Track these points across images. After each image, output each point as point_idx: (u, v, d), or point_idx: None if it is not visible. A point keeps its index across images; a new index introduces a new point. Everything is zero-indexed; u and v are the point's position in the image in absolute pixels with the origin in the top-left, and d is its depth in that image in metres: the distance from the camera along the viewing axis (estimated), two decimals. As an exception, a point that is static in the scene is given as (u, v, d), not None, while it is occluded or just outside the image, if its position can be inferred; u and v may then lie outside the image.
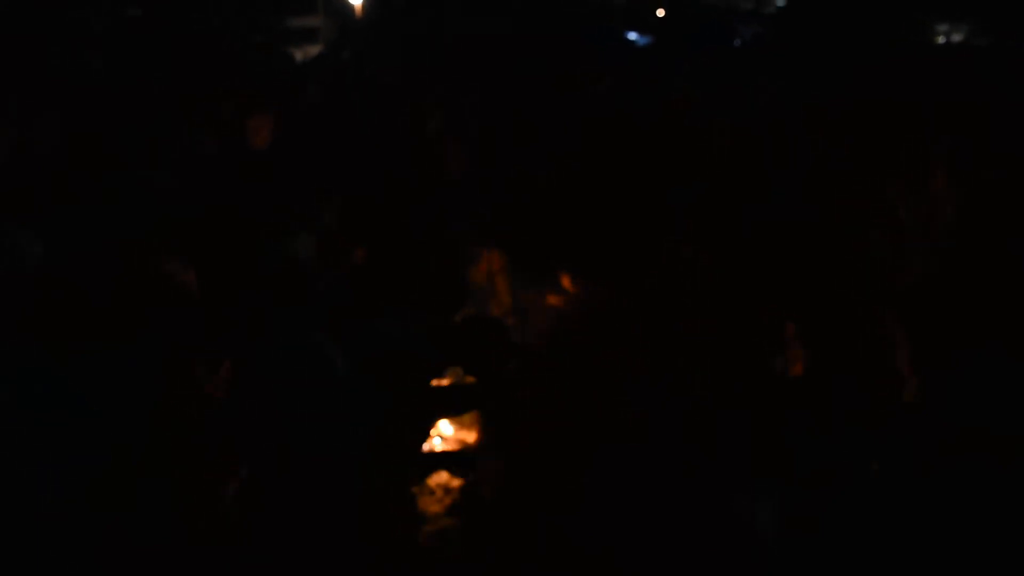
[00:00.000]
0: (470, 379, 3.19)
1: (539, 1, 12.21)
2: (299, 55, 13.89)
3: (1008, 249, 3.18)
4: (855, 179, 3.48)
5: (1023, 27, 11.56)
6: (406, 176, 4.19)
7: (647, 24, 15.31)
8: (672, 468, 2.39)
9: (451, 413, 3.22)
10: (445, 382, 3.24)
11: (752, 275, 3.09)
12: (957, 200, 3.31)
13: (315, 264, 3.25)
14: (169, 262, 2.82)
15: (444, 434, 3.43)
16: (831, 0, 12.11)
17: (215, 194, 3.72)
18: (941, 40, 14.43)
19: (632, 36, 13.46)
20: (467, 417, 3.41)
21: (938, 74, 5.81)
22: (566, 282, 3.41)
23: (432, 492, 3.29)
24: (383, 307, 3.04)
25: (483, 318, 3.33)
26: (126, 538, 2.18)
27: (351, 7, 16.31)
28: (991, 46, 10.14)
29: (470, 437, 3.43)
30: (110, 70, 6.11)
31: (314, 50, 14.84)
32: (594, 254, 3.44)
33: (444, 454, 3.32)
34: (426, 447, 3.24)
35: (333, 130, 4.74)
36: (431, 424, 3.15)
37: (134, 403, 2.37)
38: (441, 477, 3.31)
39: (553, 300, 3.45)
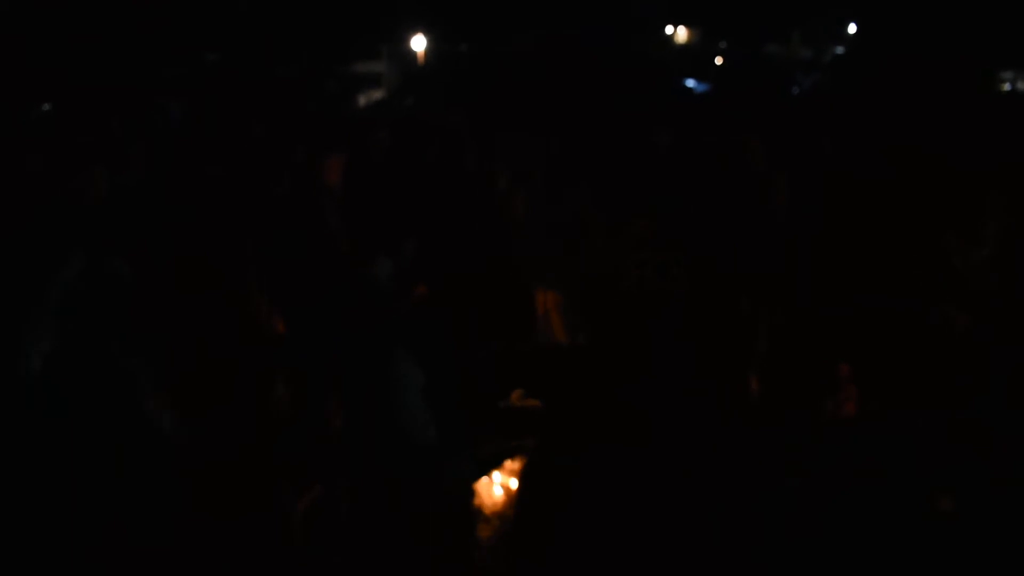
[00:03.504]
0: (532, 402, 3.34)
1: (599, 50, 12.45)
2: (363, 99, 14.32)
3: None
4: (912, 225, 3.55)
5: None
6: (474, 218, 4.37)
7: (706, 72, 15.46)
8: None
9: (512, 433, 3.34)
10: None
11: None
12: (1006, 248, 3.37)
13: (393, 288, 3.43)
14: (257, 299, 3.04)
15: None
16: (890, 49, 12.12)
17: (293, 226, 3.95)
18: (1006, 88, 14.25)
19: (690, 83, 13.61)
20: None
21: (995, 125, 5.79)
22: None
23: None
24: (457, 331, 3.20)
25: (548, 346, 3.47)
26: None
27: (414, 54, 16.78)
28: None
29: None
30: (189, 115, 6.45)
31: (377, 94, 15.27)
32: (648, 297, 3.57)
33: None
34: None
35: (403, 172, 4.96)
36: (499, 434, 3.28)
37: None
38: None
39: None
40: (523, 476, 3.04)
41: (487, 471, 3.31)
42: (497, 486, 3.37)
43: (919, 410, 2.54)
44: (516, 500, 2.93)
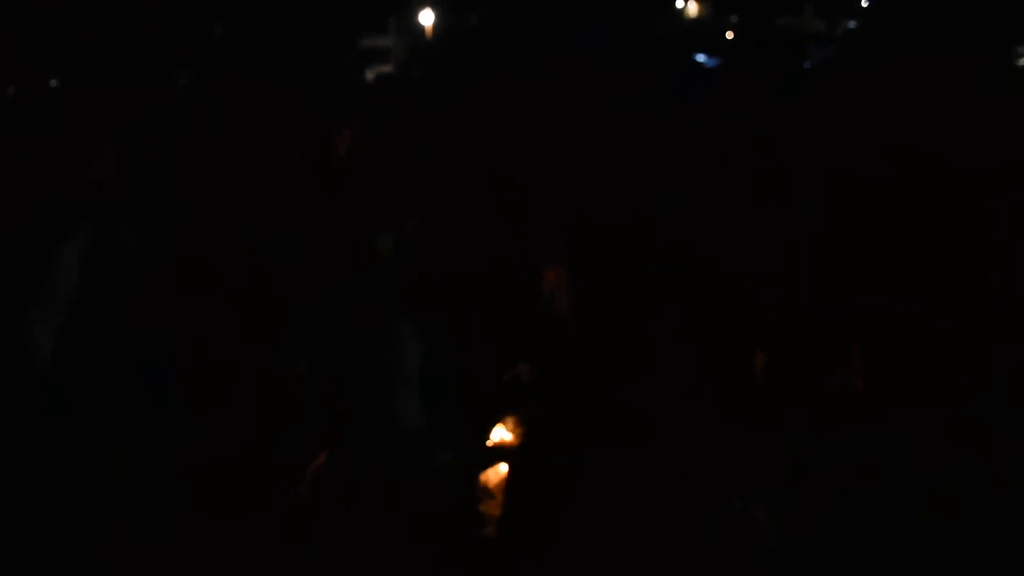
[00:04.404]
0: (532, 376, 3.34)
1: (608, 26, 12.33)
2: (371, 75, 14.27)
3: None
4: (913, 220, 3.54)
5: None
6: (480, 193, 4.36)
7: (716, 46, 15.32)
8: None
9: (516, 405, 3.34)
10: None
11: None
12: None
13: (395, 262, 3.42)
14: (261, 265, 3.04)
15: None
16: (903, 22, 11.97)
17: (301, 200, 3.95)
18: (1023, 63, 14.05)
19: (701, 58, 13.49)
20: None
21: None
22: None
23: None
24: (459, 304, 3.20)
25: (553, 317, 3.46)
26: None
27: (422, 28, 16.69)
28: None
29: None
30: (199, 89, 6.42)
31: (385, 69, 15.20)
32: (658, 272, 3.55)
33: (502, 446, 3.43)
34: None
35: (411, 145, 4.94)
36: (499, 415, 3.28)
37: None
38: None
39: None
40: (516, 470, 3.03)
41: (492, 452, 3.31)
42: (503, 464, 3.38)
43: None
44: (506, 496, 2.92)
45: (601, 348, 3.18)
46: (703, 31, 17.78)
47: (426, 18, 16.33)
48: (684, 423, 2.60)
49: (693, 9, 20.80)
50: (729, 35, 17.67)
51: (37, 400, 2.52)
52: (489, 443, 3.32)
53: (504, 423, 3.46)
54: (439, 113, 6.12)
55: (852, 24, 18.32)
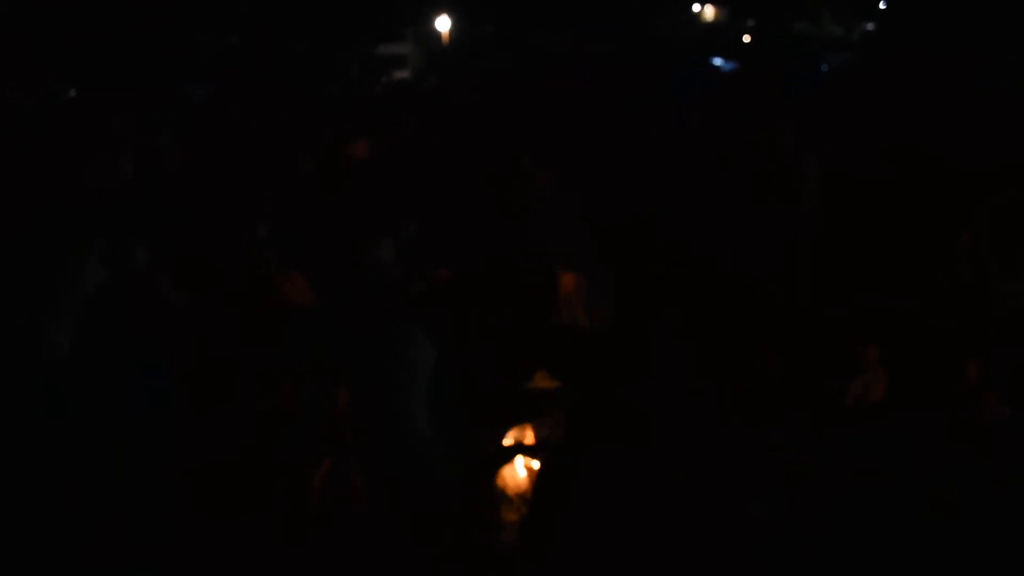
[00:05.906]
0: (551, 384, 3.33)
1: (625, 29, 12.35)
2: (388, 80, 14.39)
3: None
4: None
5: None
6: (491, 197, 4.37)
7: (733, 50, 15.28)
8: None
9: (533, 415, 3.33)
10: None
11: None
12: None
13: (396, 269, 3.44)
14: (271, 271, 3.08)
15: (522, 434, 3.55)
16: (920, 26, 11.88)
17: (312, 207, 3.98)
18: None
19: (717, 62, 13.46)
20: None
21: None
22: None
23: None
24: (469, 308, 3.20)
25: (572, 327, 3.45)
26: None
27: (438, 35, 16.79)
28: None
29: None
30: (216, 98, 6.50)
31: (402, 75, 15.31)
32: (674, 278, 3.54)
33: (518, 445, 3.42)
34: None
35: (424, 152, 4.97)
36: (513, 424, 3.28)
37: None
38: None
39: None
40: (540, 473, 3.02)
41: (509, 455, 3.31)
42: (520, 468, 3.37)
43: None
44: (532, 499, 2.92)
45: (621, 353, 3.18)
46: (719, 35, 17.75)
47: (442, 25, 16.42)
48: (703, 429, 2.60)
49: (710, 13, 20.77)
50: (746, 39, 17.62)
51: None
52: (499, 448, 3.32)
53: (517, 428, 3.46)
54: (446, 114, 6.16)
55: (870, 27, 18.22)
